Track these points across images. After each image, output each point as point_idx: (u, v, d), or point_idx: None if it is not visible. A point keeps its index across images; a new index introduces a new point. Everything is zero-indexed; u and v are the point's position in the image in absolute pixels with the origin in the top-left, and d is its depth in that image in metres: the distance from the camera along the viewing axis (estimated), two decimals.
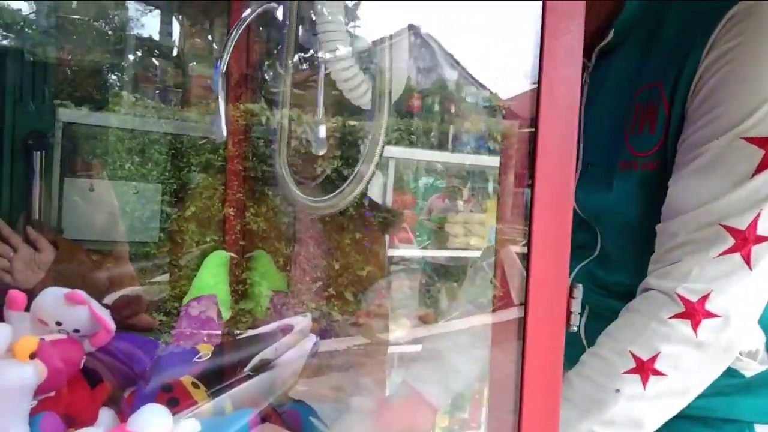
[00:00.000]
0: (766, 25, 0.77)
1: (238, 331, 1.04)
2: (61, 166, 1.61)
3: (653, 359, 0.78)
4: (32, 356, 0.63)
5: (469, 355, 1.04)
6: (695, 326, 0.77)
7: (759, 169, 0.75)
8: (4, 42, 1.90)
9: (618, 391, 0.79)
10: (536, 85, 0.56)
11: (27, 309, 0.72)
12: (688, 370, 0.79)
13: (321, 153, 0.81)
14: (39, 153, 1.42)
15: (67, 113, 1.75)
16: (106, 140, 1.98)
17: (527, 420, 0.55)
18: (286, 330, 0.89)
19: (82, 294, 0.72)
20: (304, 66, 0.80)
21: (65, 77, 1.97)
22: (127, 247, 1.52)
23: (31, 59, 1.52)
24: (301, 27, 0.74)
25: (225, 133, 0.82)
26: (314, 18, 0.68)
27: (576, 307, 0.58)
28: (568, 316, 0.56)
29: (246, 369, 0.80)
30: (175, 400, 0.74)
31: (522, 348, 0.53)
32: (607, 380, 0.80)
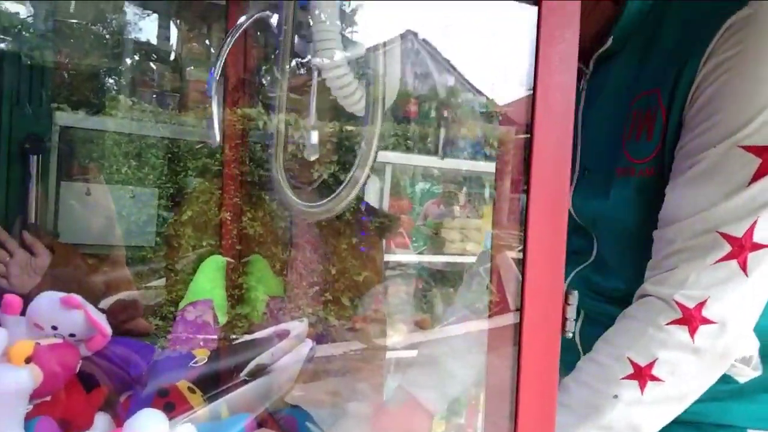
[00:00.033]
0: (765, 34, 0.78)
1: (235, 336, 1.04)
2: (57, 170, 1.61)
3: (651, 365, 0.78)
4: (28, 360, 0.63)
5: (466, 361, 1.04)
6: (692, 332, 0.78)
7: (756, 177, 0.76)
8: (2, 45, 1.90)
9: (616, 397, 0.79)
10: (531, 92, 0.56)
11: (23, 313, 0.72)
12: (686, 375, 0.80)
13: (313, 158, 0.81)
14: (36, 157, 1.41)
15: (64, 117, 1.75)
16: (102, 144, 1.98)
17: (523, 426, 0.55)
18: (283, 335, 0.89)
19: (78, 298, 0.72)
20: (302, 71, 0.80)
21: (62, 81, 1.97)
22: (123, 251, 1.52)
23: (29, 63, 1.52)
24: (297, 33, 0.75)
25: (218, 139, 0.82)
26: (309, 24, 0.69)
27: (571, 313, 0.58)
28: (564, 323, 0.57)
29: (242, 374, 0.80)
30: (171, 404, 0.74)
31: (517, 354, 0.54)
32: (604, 386, 0.81)
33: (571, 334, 0.59)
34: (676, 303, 0.79)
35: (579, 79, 1.03)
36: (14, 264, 1.13)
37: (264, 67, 1.37)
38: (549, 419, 0.56)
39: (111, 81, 2.50)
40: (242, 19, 0.83)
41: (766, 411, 0.92)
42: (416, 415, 1.00)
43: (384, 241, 2.20)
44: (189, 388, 0.78)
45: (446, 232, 3.14)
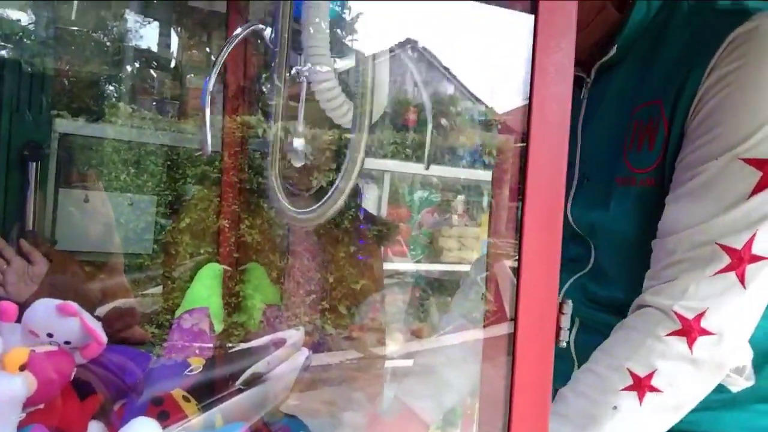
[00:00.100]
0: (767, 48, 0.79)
1: (231, 345, 1.04)
2: (56, 177, 1.61)
3: (650, 376, 0.78)
4: (22, 368, 0.62)
5: (462, 370, 1.03)
6: (691, 343, 0.78)
7: (756, 190, 0.76)
8: (2, 52, 1.90)
9: (616, 408, 0.79)
10: (527, 102, 0.56)
11: (18, 320, 0.72)
12: (683, 386, 0.80)
13: (298, 165, 0.82)
14: (34, 163, 1.42)
15: (64, 124, 1.76)
16: (101, 151, 1.98)
17: None
18: (279, 343, 0.89)
19: (73, 306, 0.72)
20: (301, 79, 0.81)
21: (62, 88, 1.98)
22: (121, 259, 1.52)
23: (29, 70, 1.52)
24: (290, 44, 0.75)
25: (209, 148, 0.82)
26: (300, 36, 0.70)
27: (565, 322, 0.59)
28: (558, 332, 0.57)
29: (237, 383, 0.80)
30: (165, 413, 0.74)
31: (511, 363, 0.54)
32: (603, 397, 0.80)
33: (565, 344, 0.59)
34: (676, 314, 0.79)
35: (580, 88, 1.03)
36: (11, 272, 1.13)
37: (264, 75, 1.37)
38: (542, 428, 0.56)
39: (111, 88, 2.50)
40: (237, 30, 0.84)
41: (757, 421, 0.92)
42: (411, 426, 1.00)
43: (382, 250, 2.19)
44: (184, 397, 0.77)
45: (444, 241, 3.14)
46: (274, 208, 0.85)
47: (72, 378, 0.71)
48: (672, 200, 0.85)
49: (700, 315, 0.78)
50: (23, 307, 0.72)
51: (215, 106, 1.35)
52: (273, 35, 0.75)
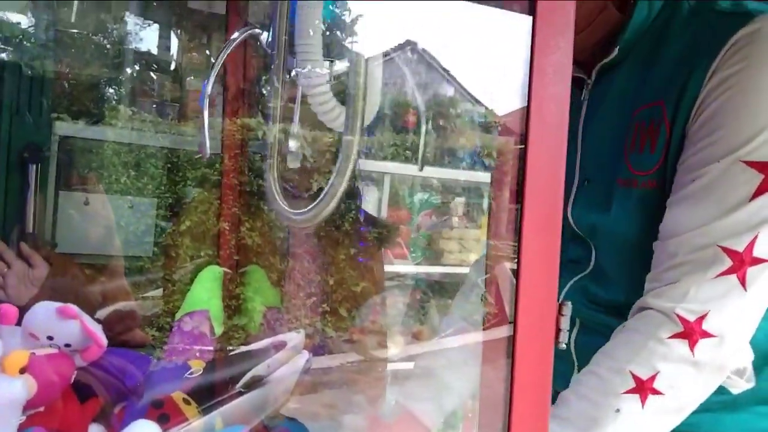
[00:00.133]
0: None
1: (231, 347, 1.04)
2: (56, 180, 1.61)
3: (652, 378, 0.78)
4: (22, 371, 0.63)
5: (462, 373, 1.03)
6: (692, 346, 0.78)
7: (757, 193, 0.77)
8: (2, 55, 1.91)
9: (618, 410, 0.79)
10: (526, 103, 0.56)
11: (19, 323, 0.72)
12: (685, 388, 0.80)
13: (294, 166, 0.82)
14: (34, 166, 1.42)
15: (64, 127, 1.76)
16: (101, 154, 1.98)
17: None
18: (279, 346, 0.89)
19: (73, 308, 0.72)
20: (300, 81, 0.81)
21: (63, 90, 1.98)
22: (122, 262, 1.51)
23: (29, 72, 1.52)
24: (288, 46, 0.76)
25: (209, 150, 0.83)
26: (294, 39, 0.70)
27: (565, 324, 0.58)
28: (557, 334, 0.57)
29: (238, 385, 0.80)
30: (165, 416, 0.73)
31: (511, 366, 0.54)
32: (605, 399, 0.80)
33: (564, 345, 0.59)
34: (678, 316, 0.79)
35: (581, 89, 1.03)
36: (11, 275, 1.12)
37: (264, 78, 1.38)
38: (542, 429, 0.56)
39: (111, 91, 2.50)
40: (234, 35, 0.84)
41: (757, 422, 0.92)
42: (412, 429, 1.00)
43: (383, 252, 2.19)
44: (184, 400, 0.77)
45: (444, 243, 3.14)
46: (272, 209, 0.85)
47: (72, 381, 0.71)
48: (673, 203, 0.85)
49: (702, 317, 0.78)
50: (23, 310, 0.72)
51: (215, 109, 1.35)
52: (270, 38, 0.75)
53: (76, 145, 1.81)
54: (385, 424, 1.05)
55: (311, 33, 0.69)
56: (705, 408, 0.82)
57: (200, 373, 0.85)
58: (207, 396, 0.79)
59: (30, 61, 1.69)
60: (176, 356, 0.96)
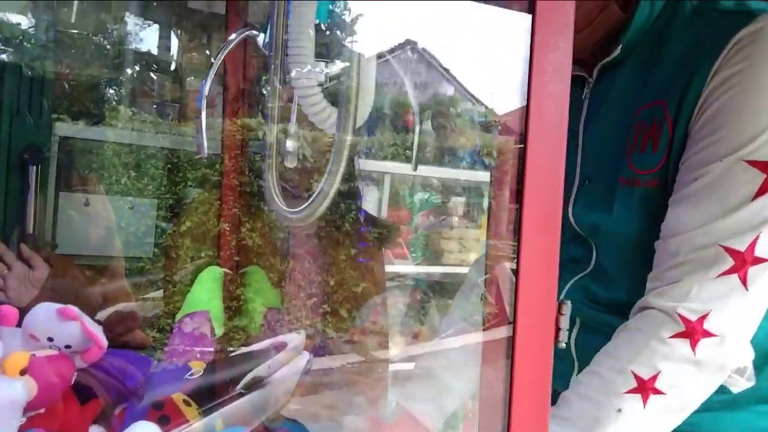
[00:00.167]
0: None
1: (231, 348, 1.04)
2: (56, 181, 1.61)
3: (654, 378, 0.78)
4: (23, 372, 0.62)
5: (463, 374, 1.03)
6: (694, 345, 0.78)
7: (759, 193, 0.77)
8: (3, 56, 1.91)
9: (620, 410, 0.79)
10: (525, 101, 0.56)
11: (19, 324, 0.72)
12: (686, 388, 0.80)
13: (291, 166, 0.82)
14: (35, 167, 1.42)
15: (64, 127, 1.76)
16: (102, 154, 1.98)
17: None
18: (280, 347, 0.89)
19: (74, 309, 0.72)
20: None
21: (63, 91, 1.98)
22: (122, 263, 1.51)
23: (29, 73, 1.53)
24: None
25: (206, 150, 0.83)
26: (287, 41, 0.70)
27: (565, 323, 0.58)
28: (557, 333, 0.56)
29: (238, 387, 0.80)
30: (166, 417, 0.74)
31: (510, 366, 0.53)
32: (606, 399, 0.80)
33: (564, 345, 0.59)
34: (679, 316, 0.79)
35: (582, 88, 1.03)
36: (12, 277, 1.12)
37: (264, 78, 1.37)
38: (542, 428, 0.56)
39: (111, 91, 2.50)
40: (232, 36, 0.84)
41: (757, 421, 0.92)
42: (412, 430, 1.00)
43: (383, 252, 2.19)
44: (184, 401, 0.77)
45: (445, 243, 3.14)
46: (273, 210, 0.85)
47: (73, 382, 0.71)
48: (675, 202, 0.85)
49: (703, 317, 0.78)
50: (24, 311, 0.72)
51: (215, 109, 1.35)
52: (267, 39, 0.76)
53: (77, 145, 1.82)
54: (386, 425, 1.05)
55: (303, 34, 0.70)
56: (705, 407, 0.82)
57: (201, 374, 0.85)
58: (207, 397, 0.79)
59: (30, 62, 1.69)
60: (177, 357, 0.96)
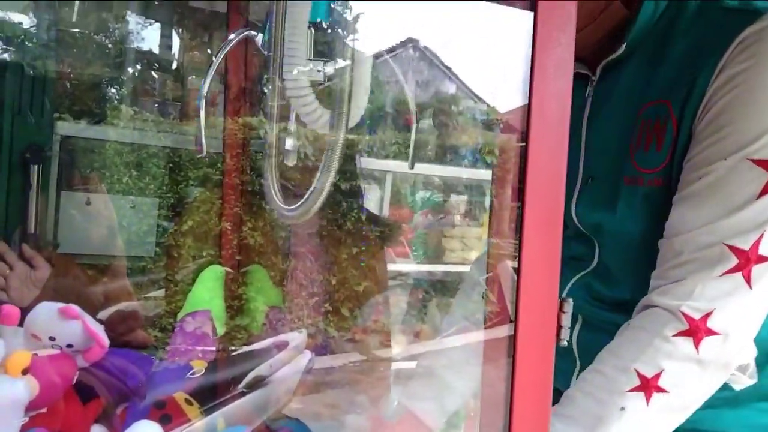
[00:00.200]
0: None
1: (233, 347, 1.04)
2: (58, 180, 1.61)
3: (657, 376, 0.78)
4: (24, 372, 0.62)
5: (465, 372, 1.03)
6: (697, 343, 0.78)
7: (764, 191, 0.76)
8: (4, 55, 1.91)
9: (623, 409, 0.79)
10: (527, 100, 0.56)
11: (21, 324, 0.72)
12: (689, 386, 0.80)
13: (291, 164, 0.82)
14: (36, 166, 1.42)
15: (66, 126, 1.76)
16: (103, 154, 1.98)
17: None
18: (281, 346, 0.89)
19: (75, 309, 0.71)
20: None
21: (64, 90, 1.98)
22: (124, 262, 1.52)
23: (31, 72, 1.53)
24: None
25: (205, 148, 0.83)
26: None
27: (566, 321, 0.58)
28: (559, 331, 0.56)
29: (240, 386, 0.80)
30: (167, 417, 0.74)
31: (512, 364, 0.53)
32: (610, 397, 0.80)
33: (566, 343, 0.59)
34: (683, 314, 0.79)
35: (585, 86, 1.03)
36: (14, 277, 1.12)
37: (265, 76, 1.37)
38: (543, 426, 0.55)
39: (113, 90, 2.51)
40: (231, 37, 0.85)
41: (759, 418, 0.92)
42: (414, 429, 0.99)
43: (385, 251, 2.19)
44: (186, 400, 0.77)
45: (447, 241, 3.14)
46: (272, 209, 0.85)
47: (74, 381, 0.71)
48: (679, 200, 0.84)
49: (707, 315, 0.78)
50: (25, 310, 0.72)
51: (217, 108, 1.35)
52: (266, 38, 0.76)
53: (78, 145, 1.82)
54: (388, 424, 1.05)
55: (296, 34, 0.70)
56: (707, 404, 0.82)
57: (202, 373, 0.85)
58: (209, 396, 0.79)
59: (32, 61, 1.69)
60: (178, 356, 0.96)
